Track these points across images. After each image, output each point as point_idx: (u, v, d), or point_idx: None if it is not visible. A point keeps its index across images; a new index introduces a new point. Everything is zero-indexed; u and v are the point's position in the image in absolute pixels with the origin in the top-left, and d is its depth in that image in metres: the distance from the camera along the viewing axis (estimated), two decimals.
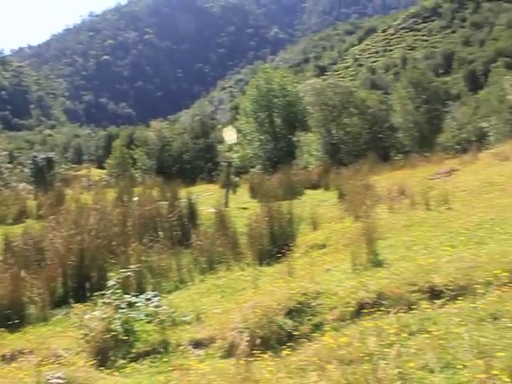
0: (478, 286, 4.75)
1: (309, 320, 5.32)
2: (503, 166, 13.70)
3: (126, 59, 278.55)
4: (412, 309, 4.81)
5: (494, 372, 3.08)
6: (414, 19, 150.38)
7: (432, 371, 3.50)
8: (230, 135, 30.98)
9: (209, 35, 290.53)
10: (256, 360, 4.41)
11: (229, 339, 5.27)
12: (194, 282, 8.67)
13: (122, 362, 5.40)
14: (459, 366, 3.45)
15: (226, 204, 15.06)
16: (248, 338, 4.98)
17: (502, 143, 21.35)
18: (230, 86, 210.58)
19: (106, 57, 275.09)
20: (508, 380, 2.95)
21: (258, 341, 4.76)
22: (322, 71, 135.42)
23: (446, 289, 5.08)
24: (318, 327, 5.13)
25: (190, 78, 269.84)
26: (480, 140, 31.54)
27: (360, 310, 5.11)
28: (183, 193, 13.96)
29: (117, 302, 6.18)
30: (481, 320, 4.10)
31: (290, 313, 5.46)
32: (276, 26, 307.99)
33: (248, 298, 6.11)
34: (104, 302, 6.15)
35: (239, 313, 5.58)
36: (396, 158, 29.54)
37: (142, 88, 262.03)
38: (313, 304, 5.54)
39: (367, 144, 32.16)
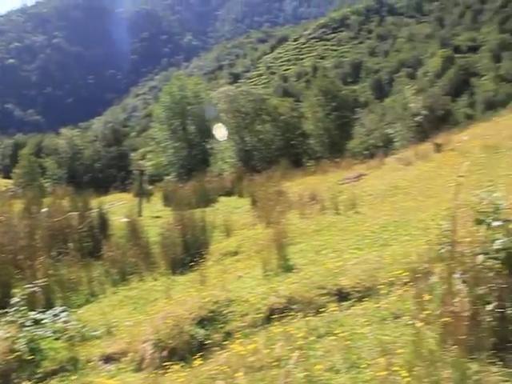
0: (382, 286, 4.92)
1: (221, 328, 5.29)
2: (407, 171, 14.35)
3: (33, 63, 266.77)
4: (321, 312, 4.90)
5: (395, 368, 3.19)
6: (323, 29, 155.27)
7: (338, 372, 3.58)
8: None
9: (121, 41, 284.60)
10: (167, 372, 4.34)
11: (140, 352, 5.14)
12: (106, 295, 8.40)
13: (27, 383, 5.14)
14: (363, 365, 3.55)
15: (139, 213, 14.79)
16: (159, 350, 4.90)
17: (406, 148, 22.36)
18: (144, 93, 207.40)
19: (11, 60, 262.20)
20: (407, 375, 3.07)
21: (165, 352, 4.69)
22: (235, 78, 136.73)
23: (353, 290, 5.23)
24: (229, 335, 5.11)
25: (102, 84, 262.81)
26: (386, 145, 32.97)
27: (271, 316, 5.14)
28: (95, 203, 13.55)
29: (21, 320, 5.86)
30: (384, 319, 4.25)
31: (201, 322, 5.41)
32: (190, 32, 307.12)
33: (160, 309, 5.99)
34: (7, 321, 5.82)
35: (150, 324, 5.46)
36: (308, 163, 30.24)
37: (51, 94, 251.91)
38: (224, 312, 5.52)
39: (280, 150, 32.71)
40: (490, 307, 2.87)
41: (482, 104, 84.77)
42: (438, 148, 16.17)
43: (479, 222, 2.97)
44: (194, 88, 36.70)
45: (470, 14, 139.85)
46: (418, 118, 20.48)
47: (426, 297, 3.31)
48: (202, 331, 5.28)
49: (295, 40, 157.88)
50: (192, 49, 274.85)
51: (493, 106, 68.72)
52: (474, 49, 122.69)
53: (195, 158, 34.63)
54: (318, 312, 4.93)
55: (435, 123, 28.50)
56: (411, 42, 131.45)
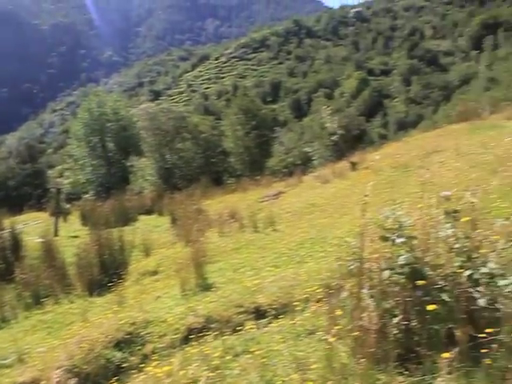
0: (298, 303, 5.02)
1: (138, 350, 5.19)
2: (324, 188, 14.74)
3: None
4: (238, 330, 4.93)
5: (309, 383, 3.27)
6: (244, 49, 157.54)
7: None
8: None
9: (38, 54, 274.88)
10: None
11: (53, 380, 4.94)
12: (18, 320, 8.03)
13: None
14: (278, 382, 3.59)
15: (56, 233, 14.30)
16: (72, 376, 4.73)
17: (323, 167, 22.96)
18: (62, 109, 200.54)
19: None
20: None
21: (79, 379, 4.53)
22: (156, 96, 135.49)
23: (270, 308, 5.29)
24: (147, 357, 5.03)
25: (17, 98, 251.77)
26: (305, 164, 33.68)
27: (189, 336, 5.11)
28: (7, 222, 12.95)
29: None
30: (299, 335, 4.33)
31: (118, 344, 5.29)
32: (110, 48, 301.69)
33: (75, 333, 5.79)
34: None
35: (65, 349, 5.27)
36: (228, 181, 30.38)
37: None
38: (142, 333, 5.42)
39: (200, 168, 32.68)
40: (396, 320, 3.00)
41: (394, 124, 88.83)
42: (354, 166, 16.76)
43: (385, 239, 3.12)
44: (113, 105, 36.10)
45: (382, 39, 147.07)
46: (334, 137, 21.20)
47: (338, 312, 3.41)
48: (118, 354, 5.16)
49: (216, 59, 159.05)
50: (112, 64, 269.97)
51: (404, 126, 72.24)
52: (386, 72, 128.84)
53: (114, 176, 33.94)
54: (235, 330, 4.95)
55: (351, 142, 29.50)
56: (328, 64, 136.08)
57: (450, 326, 2.85)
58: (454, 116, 22.31)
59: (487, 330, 2.70)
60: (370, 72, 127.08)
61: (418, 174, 8.72)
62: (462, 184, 6.49)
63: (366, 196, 3.30)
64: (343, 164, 18.18)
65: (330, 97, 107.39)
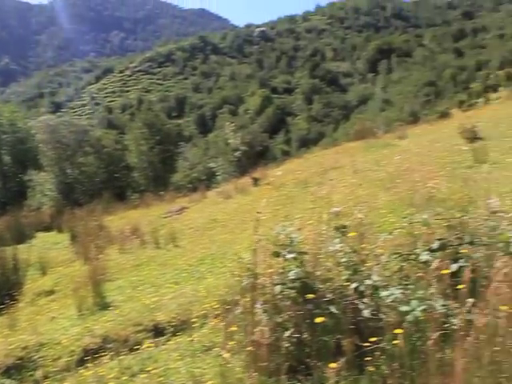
0: (196, 319, 5.01)
1: (30, 376, 4.94)
2: (226, 204, 14.84)
3: None
4: (136, 349, 4.84)
5: None
6: (149, 63, 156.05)
7: None
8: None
9: None
10: None
11: None
12: None
13: None
14: None
15: None
16: None
17: (227, 182, 23.15)
18: None
19: None
20: None
21: None
22: (57, 108, 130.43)
23: (169, 325, 5.24)
24: (38, 383, 4.80)
25: None
26: (209, 179, 33.80)
27: (85, 358, 4.94)
28: None
29: None
30: (196, 352, 4.32)
31: (8, 371, 5.01)
32: (7, 56, 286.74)
33: None
34: None
35: None
36: (132, 197, 29.78)
37: None
38: (35, 357, 5.17)
39: (103, 183, 31.75)
40: (287, 333, 3.09)
41: (296, 141, 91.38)
42: (256, 182, 17.03)
43: (276, 255, 3.21)
44: (9, 116, 34.30)
45: (285, 59, 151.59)
46: (237, 153, 21.49)
47: (233, 328, 3.45)
48: (8, 381, 4.89)
49: (121, 72, 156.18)
50: (9, 73, 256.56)
51: (306, 143, 74.52)
52: (289, 90, 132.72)
53: (10, 191, 32.12)
54: (132, 350, 4.85)
55: (254, 158, 30.00)
56: (233, 81, 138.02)
57: (338, 336, 2.98)
58: (351, 134, 23.36)
59: (371, 339, 2.85)
60: (274, 90, 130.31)
61: (316, 190, 9.03)
62: (355, 200, 6.81)
63: (258, 213, 3.39)
64: (246, 180, 18.42)
65: (234, 113, 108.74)
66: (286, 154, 52.22)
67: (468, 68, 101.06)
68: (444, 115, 25.67)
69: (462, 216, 3.39)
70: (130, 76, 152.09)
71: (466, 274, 2.79)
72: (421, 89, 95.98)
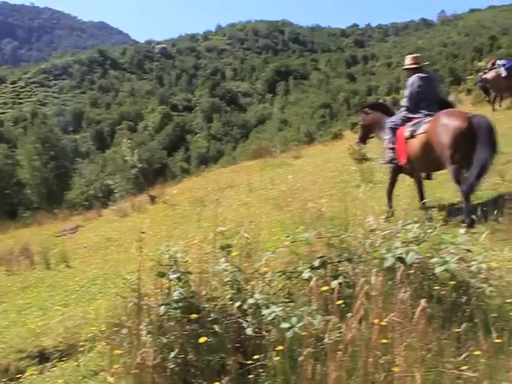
0: (84, 343, 4.84)
1: None
2: (122, 222, 14.51)
3: None
4: (18, 378, 4.59)
5: None
6: (45, 75, 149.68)
7: None
8: None
9: None
10: None
11: None
12: None
13: None
14: None
15: None
16: None
17: (124, 200, 22.62)
18: None
19: None
20: None
21: None
22: None
23: (55, 350, 5.03)
24: None
25: None
26: (106, 197, 32.90)
27: None
28: None
29: None
30: (83, 377, 4.18)
31: None
32: None
33: None
34: None
35: None
36: (24, 215, 28.32)
37: None
38: None
39: None
40: (172, 354, 3.07)
41: (196, 159, 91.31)
42: (153, 200, 16.80)
43: (161, 275, 3.20)
44: None
45: (185, 77, 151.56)
46: (135, 171, 21.07)
47: (118, 351, 3.38)
48: None
49: (13, 82, 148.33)
50: None
51: (205, 161, 74.71)
52: (189, 108, 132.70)
53: None
54: (14, 379, 4.60)
55: (152, 176, 29.66)
56: (133, 97, 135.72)
57: (222, 355, 3.01)
58: (249, 153, 23.77)
59: (255, 357, 2.91)
60: (174, 107, 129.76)
61: (211, 209, 9.09)
62: (248, 218, 6.92)
63: (142, 233, 3.36)
64: (143, 198, 18.14)
65: (133, 129, 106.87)
66: (186, 172, 52.05)
67: (360, 92, 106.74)
68: (337, 136, 26.81)
69: (342, 234, 3.56)
70: (23, 87, 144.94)
71: (344, 290, 2.94)
72: (316, 110, 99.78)
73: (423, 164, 6.61)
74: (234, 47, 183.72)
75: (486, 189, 6.94)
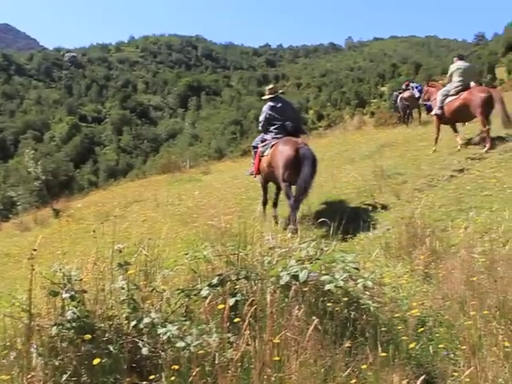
0: None
1: None
2: (23, 237, 13.84)
3: None
4: None
5: None
6: None
7: None
8: None
9: None
10: None
11: None
12: None
13: None
14: None
15: None
16: None
17: (28, 213, 21.63)
18: None
19: None
20: None
21: None
22: None
23: None
24: None
25: None
26: (8, 209, 31.29)
27: None
28: None
29: None
30: None
31: None
32: None
33: None
34: None
35: None
36: None
37: None
38: None
39: None
40: (65, 377, 2.96)
41: (104, 172, 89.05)
42: (57, 214, 16.20)
43: (54, 294, 3.08)
44: None
45: (96, 87, 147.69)
46: (38, 183, 20.22)
47: (6, 376, 3.20)
48: None
49: None
50: None
51: (115, 174, 72.93)
52: (98, 120, 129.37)
53: None
54: None
55: (58, 189, 28.56)
56: (39, 105, 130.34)
57: (117, 376, 2.94)
58: (158, 167, 23.52)
59: (151, 377, 2.87)
60: (83, 118, 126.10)
61: (115, 225, 8.88)
62: (153, 234, 6.84)
63: (34, 250, 3.23)
64: (47, 211, 17.41)
65: (39, 140, 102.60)
66: (94, 185, 50.59)
67: None
68: (246, 153, 27.12)
69: (240, 252, 3.61)
70: None
71: (247, 308, 2.98)
72: (227, 126, 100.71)
73: (270, 178, 8.03)
74: (147, 60, 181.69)
75: (383, 208, 7.30)
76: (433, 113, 11.40)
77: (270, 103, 8.12)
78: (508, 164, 8.71)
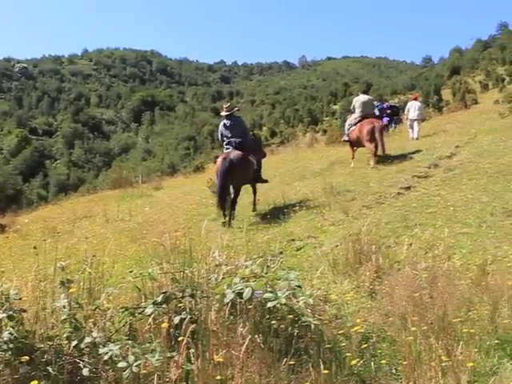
0: None
1: None
2: None
3: None
4: None
5: None
6: None
7: None
8: None
9: None
10: None
11: None
12: None
13: None
14: None
15: None
16: None
17: None
18: None
19: None
20: None
21: None
22: None
23: None
24: None
25: None
26: None
27: None
28: None
29: None
30: None
31: None
32: None
33: None
34: None
35: None
36: None
37: None
38: None
39: None
40: None
41: (55, 186, 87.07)
42: (2, 229, 15.67)
43: None
44: None
45: (47, 100, 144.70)
46: None
47: None
48: None
49: None
50: None
51: (65, 188, 71.34)
52: (49, 133, 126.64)
53: None
54: None
55: (5, 203, 27.65)
56: None
57: None
58: (109, 182, 23.16)
59: None
60: (33, 131, 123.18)
61: (63, 241, 8.71)
62: (102, 251, 6.70)
63: None
64: None
65: None
66: (43, 200, 49.25)
67: None
68: (199, 169, 27.08)
69: (186, 269, 3.58)
70: None
71: (186, 326, 2.95)
72: (181, 142, 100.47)
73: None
74: (101, 73, 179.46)
75: (332, 224, 7.41)
76: (342, 139, 14.11)
77: (224, 121, 9.39)
78: (451, 182, 9.02)
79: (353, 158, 12.85)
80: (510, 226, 6.33)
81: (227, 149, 9.23)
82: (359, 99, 13.19)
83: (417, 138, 16.99)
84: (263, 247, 6.13)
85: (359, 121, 12.79)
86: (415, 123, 17.75)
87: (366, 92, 14.71)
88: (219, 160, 9.07)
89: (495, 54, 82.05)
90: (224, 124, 9.36)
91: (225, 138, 9.33)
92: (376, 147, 12.04)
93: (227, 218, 8.72)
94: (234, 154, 8.98)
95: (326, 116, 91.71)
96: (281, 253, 6.12)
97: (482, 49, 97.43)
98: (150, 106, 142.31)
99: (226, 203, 8.87)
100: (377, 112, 19.33)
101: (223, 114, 9.43)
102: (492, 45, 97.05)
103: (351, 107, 13.50)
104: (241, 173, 8.99)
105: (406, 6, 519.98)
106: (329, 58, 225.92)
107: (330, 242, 6.53)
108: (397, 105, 23.45)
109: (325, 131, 39.80)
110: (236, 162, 8.83)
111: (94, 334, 2.89)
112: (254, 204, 9.80)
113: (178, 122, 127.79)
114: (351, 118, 13.25)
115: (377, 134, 12.04)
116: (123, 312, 3.31)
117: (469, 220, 6.74)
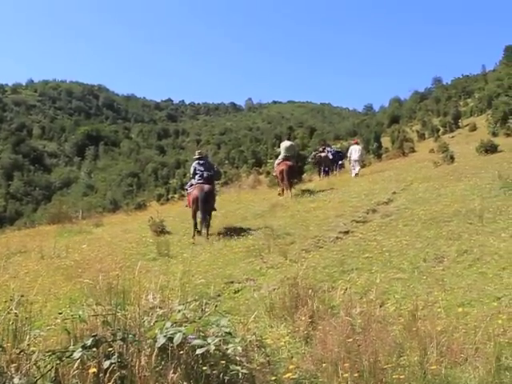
0: None
1: None
2: None
3: None
4: None
5: None
6: None
7: None
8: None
9: None
10: None
11: None
12: None
13: None
14: None
15: None
16: None
17: None
18: None
19: None
20: None
21: None
22: None
23: None
24: None
25: None
26: None
27: None
28: None
29: None
30: None
31: None
32: None
33: None
34: None
35: None
36: None
37: None
38: None
39: None
40: None
41: None
42: None
43: None
44: None
45: None
46: None
47: None
48: None
49: None
50: None
51: (1, 221, 68.66)
52: None
53: None
54: None
55: None
56: None
57: None
58: (48, 216, 22.49)
59: None
60: None
61: None
62: (34, 289, 6.45)
63: None
64: None
65: None
66: None
67: (168, 164, 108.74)
68: (141, 206, 26.76)
69: (118, 312, 3.49)
70: None
71: (113, 372, 2.87)
72: (124, 178, 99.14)
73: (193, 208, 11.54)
74: (45, 105, 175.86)
75: (271, 267, 7.45)
76: (273, 174, 18.35)
77: (197, 161, 12.11)
78: (387, 228, 9.28)
79: (280, 189, 16.19)
80: (441, 272, 6.56)
81: (199, 180, 11.77)
82: (283, 144, 16.44)
83: (356, 174, 20.39)
84: (200, 289, 6.08)
85: (281, 162, 15.95)
86: (356, 163, 21.12)
87: (289, 138, 19.45)
88: (195, 192, 11.40)
89: (431, 106, 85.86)
90: (198, 162, 12.06)
91: (198, 172, 11.88)
92: (290, 183, 15.45)
93: (197, 231, 11.30)
94: (207, 186, 11.53)
95: (270, 158, 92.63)
96: (218, 295, 6.10)
97: (419, 100, 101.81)
98: (94, 140, 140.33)
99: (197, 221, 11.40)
100: (330, 156, 22.85)
101: (196, 156, 12.34)
102: (428, 97, 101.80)
103: (279, 150, 16.80)
104: (212, 200, 11.80)
105: (350, 53, 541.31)
106: (274, 102, 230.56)
107: (268, 285, 6.56)
108: (340, 151, 25.65)
109: (268, 173, 40.20)
110: (209, 192, 11.49)
111: (16, 380, 2.76)
112: (208, 233, 11.17)
113: (122, 158, 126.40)
114: (278, 159, 16.52)
115: (285, 174, 15.28)
116: (50, 356, 3.17)
117: (403, 265, 6.94)
